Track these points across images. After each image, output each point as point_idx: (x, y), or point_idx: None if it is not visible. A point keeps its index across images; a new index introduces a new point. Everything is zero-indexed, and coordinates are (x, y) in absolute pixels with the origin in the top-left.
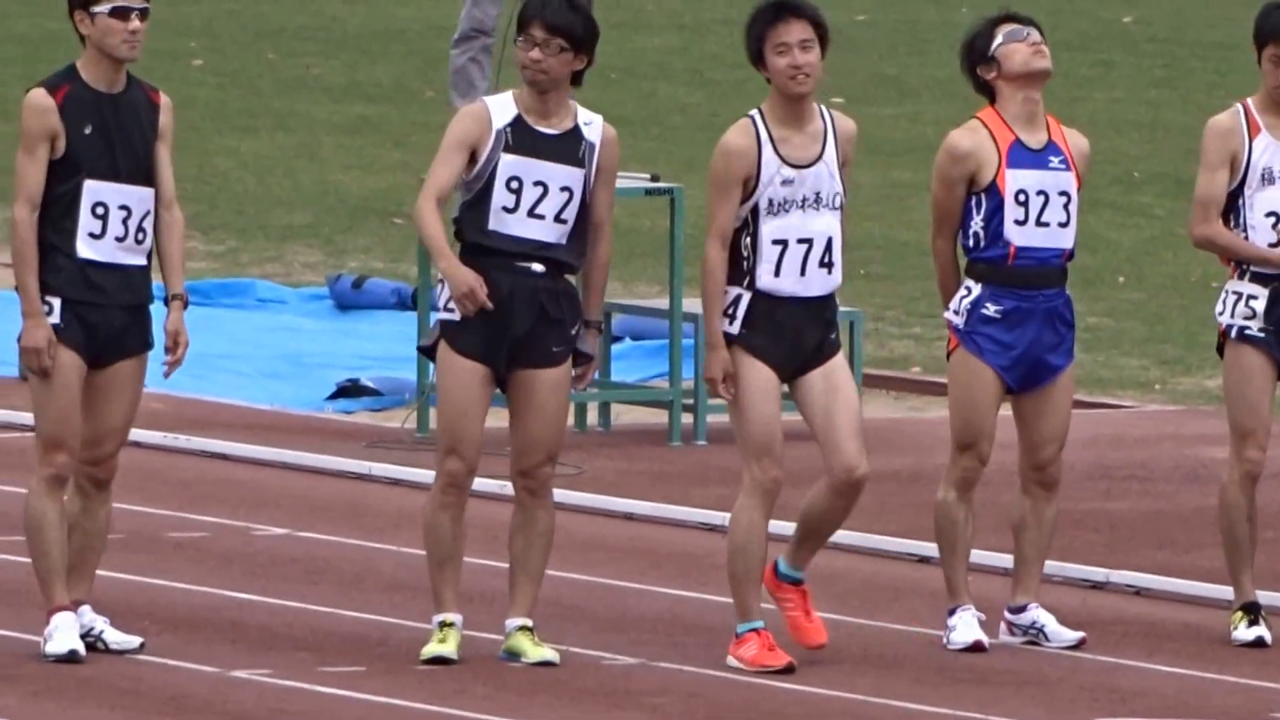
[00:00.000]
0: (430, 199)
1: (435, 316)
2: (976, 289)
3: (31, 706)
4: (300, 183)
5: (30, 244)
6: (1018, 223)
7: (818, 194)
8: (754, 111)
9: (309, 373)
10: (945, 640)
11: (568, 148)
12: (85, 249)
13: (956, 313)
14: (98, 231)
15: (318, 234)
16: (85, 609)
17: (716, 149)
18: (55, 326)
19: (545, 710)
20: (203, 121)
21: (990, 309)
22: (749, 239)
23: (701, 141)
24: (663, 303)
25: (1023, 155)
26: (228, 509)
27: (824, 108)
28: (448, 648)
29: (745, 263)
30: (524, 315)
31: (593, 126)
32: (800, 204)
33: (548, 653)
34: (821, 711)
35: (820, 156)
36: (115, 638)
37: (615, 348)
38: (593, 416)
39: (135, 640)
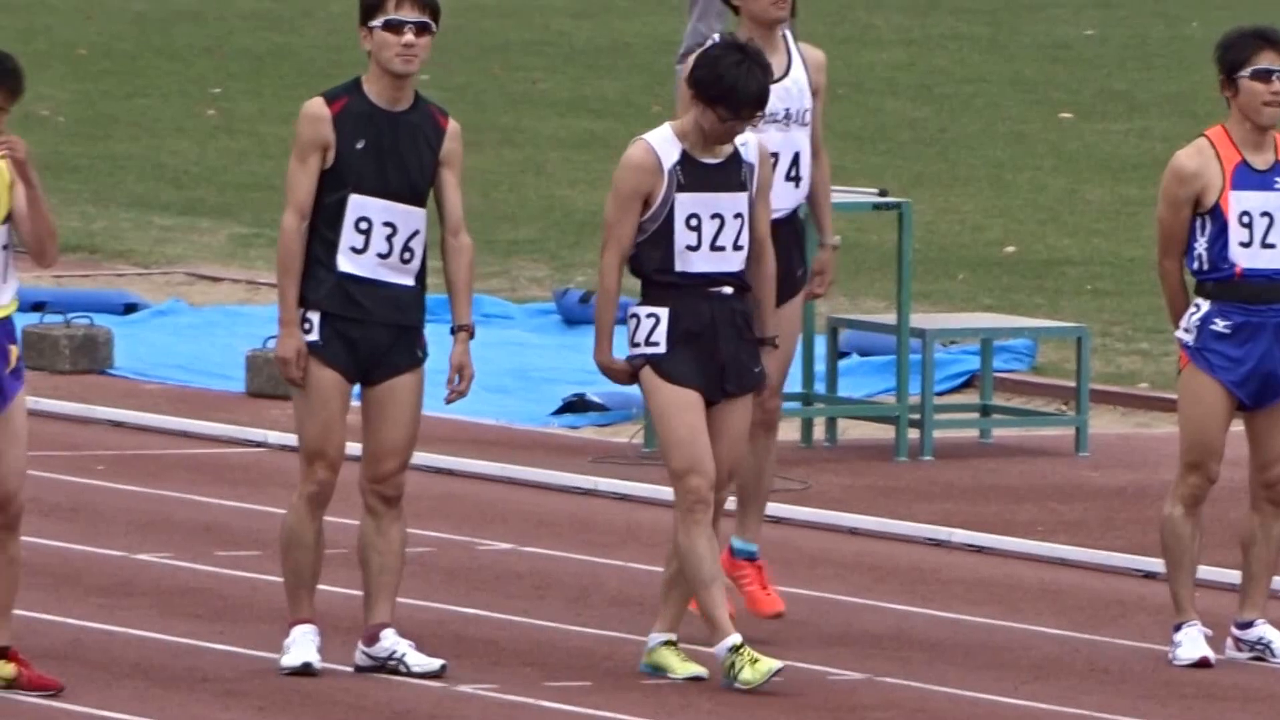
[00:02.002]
0: (617, 257)
1: (631, 353)
2: (1205, 305)
3: None
4: (526, 198)
5: (295, 254)
6: (1243, 245)
7: (787, 110)
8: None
9: (535, 388)
10: (1171, 656)
11: (732, 174)
12: (346, 263)
13: (1186, 330)
14: (360, 246)
15: (544, 249)
16: (389, 631)
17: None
18: (314, 344)
19: None
20: None
21: (1219, 324)
22: None
23: (929, 156)
24: (890, 318)
25: (1248, 177)
26: (453, 524)
27: (789, 36)
28: (693, 667)
29: None
30: (729, 338)
31: (749, 147)
32: (767, 119)
33: (696, 668)
34: None
35: (787, 73)
36: (417, 661)
37: (842, 363)
38: (819, 432)
39: (436, 663)
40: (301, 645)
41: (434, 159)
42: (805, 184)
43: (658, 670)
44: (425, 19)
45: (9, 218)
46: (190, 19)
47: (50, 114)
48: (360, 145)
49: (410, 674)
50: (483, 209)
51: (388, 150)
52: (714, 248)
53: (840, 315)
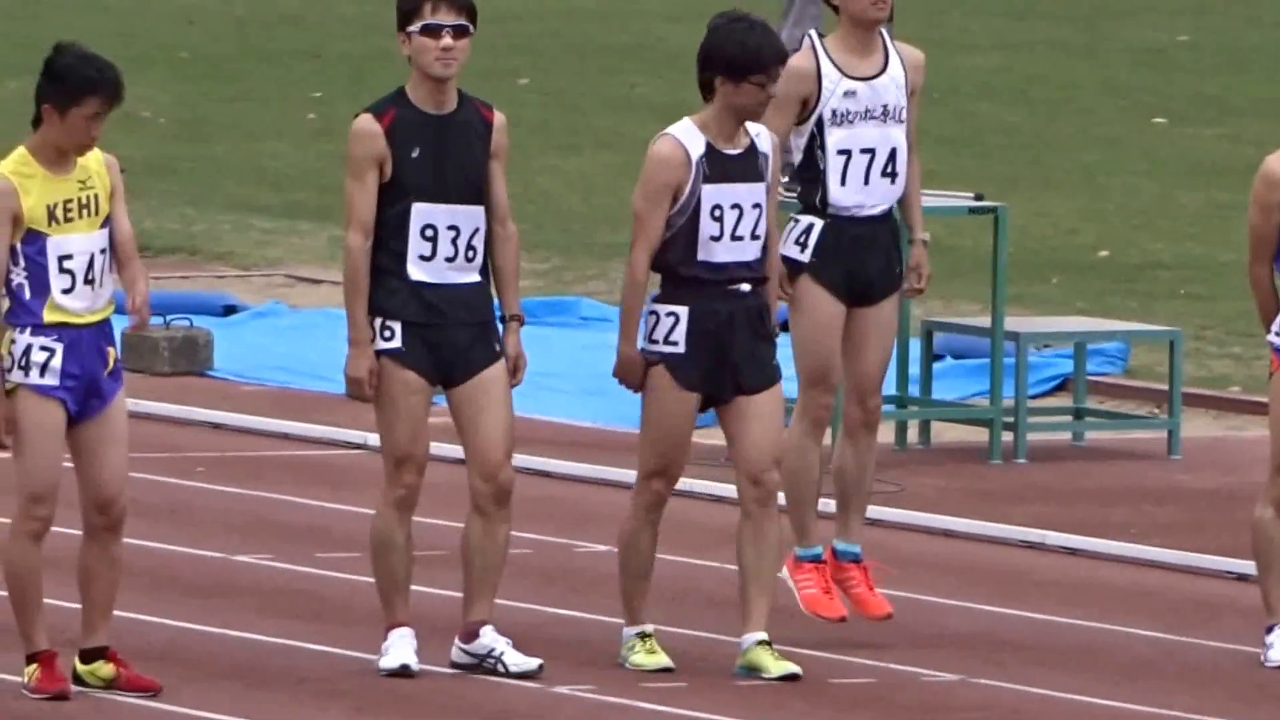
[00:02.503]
0: (646, 252)
1: (648, 349)
2: None
3: None
4: (624, 201)
5: (362, 272)
6: None
7: (884, 106)
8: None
9: (631, 391)
10: (1263, 658)
11: (751, 164)
12: (416, 271)
13: (1278, 334)
14: (428, 254)
15: None
16: (488, 629)
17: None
18: (397, 351)
19: None
20: (527, 140)
21: None
22: (819, 150)
23: (1024, 161)
24: (984, 321)
25: None
26: (550, 526)
27: (886, 35)
28: (662, 658)
29: (820, 177)
30: (746, 338)
31: (762, 137)
32: (864, 115)
33: (790, 666)
34: None
35: (885, 70)
36: (515, 659)
37: (936, 366)
38: (913, 434)
39: (534, 662)
40: (399, 648)
41: (486, 155)
42: (901, 180)
43: (753, 671)
44: (463, 21)
45: (107, 221)
46: (290, 24)
47: (151, 116)
48: (416, 154)
49: (508, 673)
50: (582, 212)
51: (443, 154)
52: (734, 237)
53: (935, 318)
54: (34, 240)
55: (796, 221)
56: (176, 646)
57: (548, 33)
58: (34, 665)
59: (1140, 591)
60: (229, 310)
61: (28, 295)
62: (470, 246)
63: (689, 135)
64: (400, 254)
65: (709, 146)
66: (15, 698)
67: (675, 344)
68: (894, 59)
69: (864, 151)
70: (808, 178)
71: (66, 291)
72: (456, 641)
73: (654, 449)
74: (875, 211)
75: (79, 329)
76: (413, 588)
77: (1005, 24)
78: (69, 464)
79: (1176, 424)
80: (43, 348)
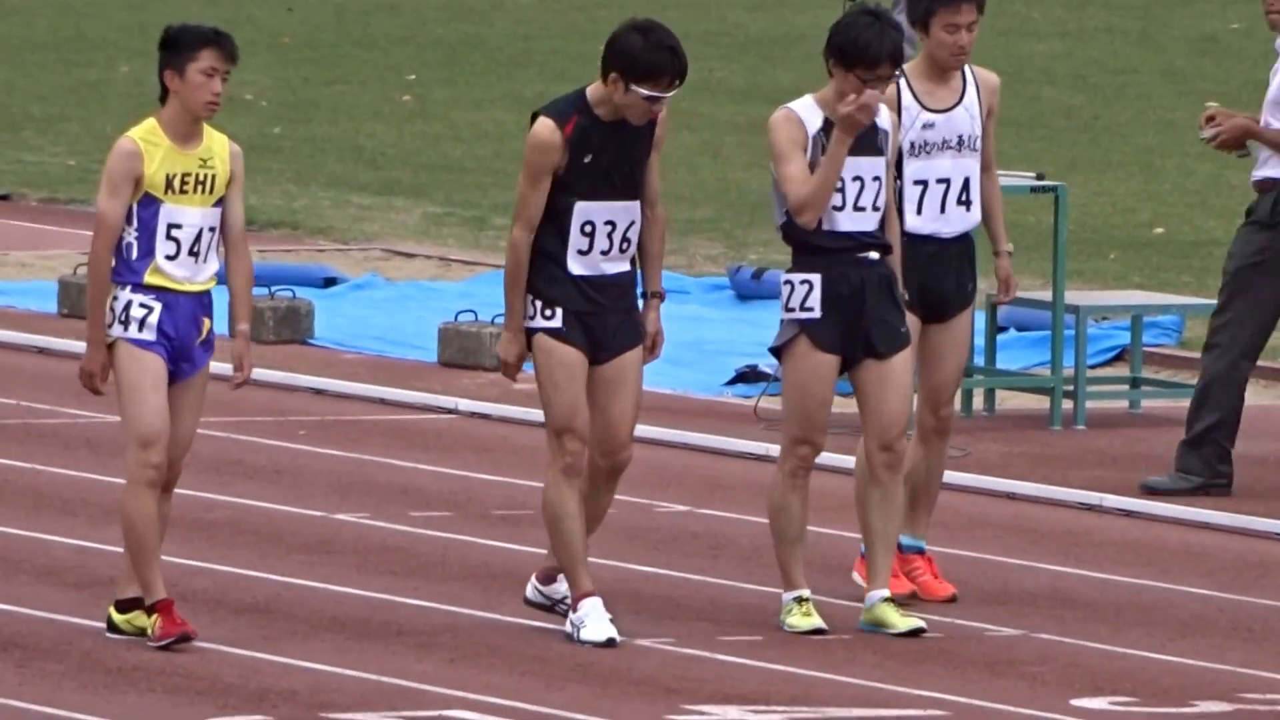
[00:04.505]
0: (798, 191)
1: (785, 317)
2: None
3: (447, 671)
4: (703, 179)
5: (523, 265)
6: None
7: (960, 137)
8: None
9: (710, 359)
10: None
11: (870, 140)
12: (574, 265)
13: None
14: (585, 249)
15: (719, 228)
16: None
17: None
18: (558, 330)
19: (931, 678)
20: None
21: None
22: (895, 180)
23: (1083, 142)
24: (1046, 295)
25: None
26: (632, 487)
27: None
28: (816, 620)
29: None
30: (877, 303)
31: (881, 115)
32: (941, 146)
33: (915, 621)
34: (1195, 681)
35: (960, 101)
36: None
37: (1000, 337)
38: (979, 402)
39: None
40: (595, 618)
41: (649, 151)
42: (975, 208)
43: (879, 626)
44: (672, 94)
45: (220, 203)
46: (387, 10)
47: (254, 99)
48: (588, 160)
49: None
50: (662, 190)
51: (613, 158)
52: (856, 208)
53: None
54: (149, 204)
55: None
56: (281, 600)
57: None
58: (154, 615)
59: (1194, 552)
60: (329, 282)
61: (134, 255)
62: (625, 239)
63: (808, 111)
64: (560, 246)
65: (827, 121)
66: (128, 648)
67: (811, 310)
68: (970, 88)
69: (939, 181)
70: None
71: (170, 258)
72: (533, 580)
73: (797, 415)
74: (949, 235)
75: (175, 294)
76: (500, 544)
77: (1065, 12)
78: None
79: None
80: (142, 304)
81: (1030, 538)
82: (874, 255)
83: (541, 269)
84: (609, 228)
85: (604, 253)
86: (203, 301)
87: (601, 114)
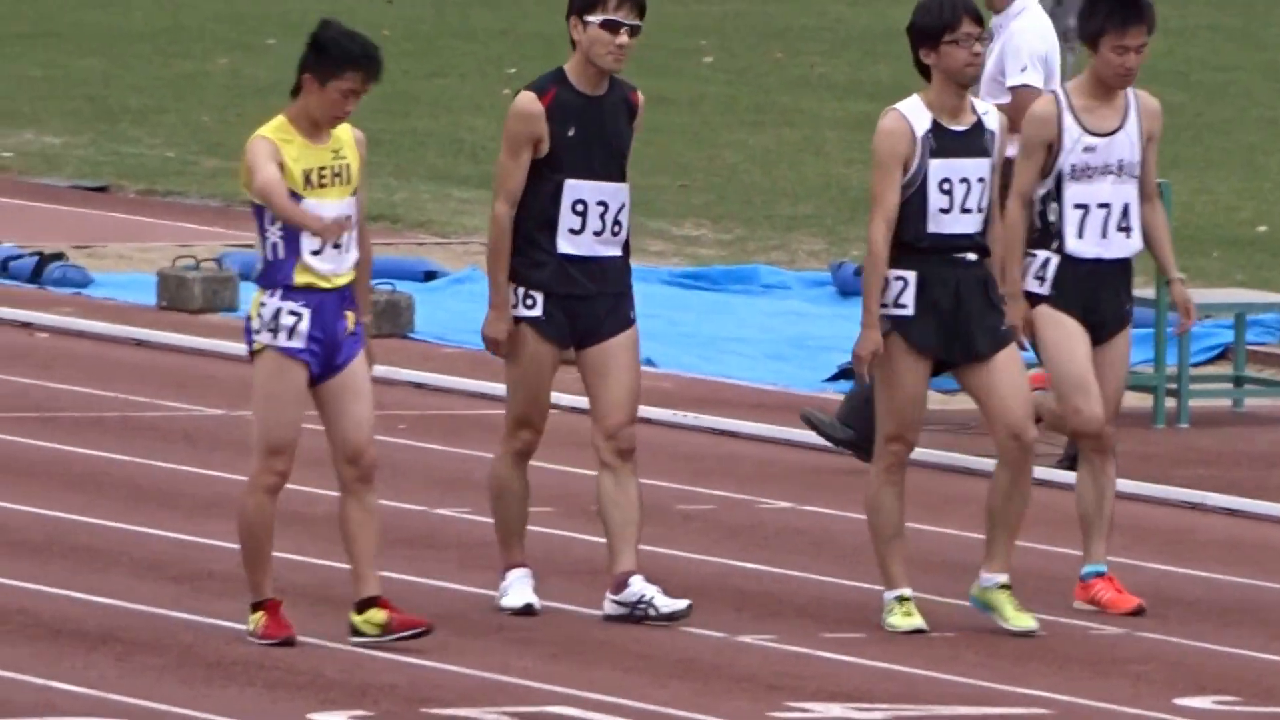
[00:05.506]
0: (884, 224)
1: (879, 314)
2: None
3: (549, 667)
4: (805, 175)
5: (506, 240)
6: None
7: (1120, 162)
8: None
9: (811, 355)
10: None
11: (976, 140)
12: (565, 245)
13: None
14: (577, 227)
15: (821, 224)
16: (637, 578)
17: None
18: (537, 319)
19: (1034, 676)
20: (713, 116)
21: None
22: (1054, 203)
23: (1186, 140)
24: (1149, 293)
25: None
26: (734, 483)
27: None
28: (917, 620)
29: (1052, 227)
30: (973, 304)
31: (990, 115)
32: (1102, 171)
33: (1029, 621)
34: None
35: (1122, 127)
36: (664, 603)
37: None
38: None
39: (683, 603)
40: (519, 587)
41: (631, 135)
42: (1136, 235)
43: (989, 610)
44: (639, 22)
45: (357, 191)
46: (486, 3)
47: None
48: (571, 133)
49: (660, 616)
50: (765, 185)
51: (596, 134)
52: (963, 210)
53: None
54: (291, 200)
55: (1034, 256)
56: (384, 595)
57: (732, 14)
58: (260, 613)
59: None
60: (429, 276)
61: (281, 254)
62: (616, 221)
63: (915, 112)
64: (551, 227)
65: (934, 123)
66: (228, 642)
67: (904, 306)
68: (1133, 112)
69: (1100, 206)
70: (1044, 225)
71: (315, 253)
72: (608, 595)
73: (890, 411)
74: (1111, 258)
75: (323, 293)
76: (600, 539)
77: (1167, 9)
78: (317, 426)
79: None
80: (291, 312)
81: (1134, 536)
82: (971, 256)
83: (528, 255)
84: (601, 208)
85: (596, 234)
86: (344, 293)
87: (579, 85)
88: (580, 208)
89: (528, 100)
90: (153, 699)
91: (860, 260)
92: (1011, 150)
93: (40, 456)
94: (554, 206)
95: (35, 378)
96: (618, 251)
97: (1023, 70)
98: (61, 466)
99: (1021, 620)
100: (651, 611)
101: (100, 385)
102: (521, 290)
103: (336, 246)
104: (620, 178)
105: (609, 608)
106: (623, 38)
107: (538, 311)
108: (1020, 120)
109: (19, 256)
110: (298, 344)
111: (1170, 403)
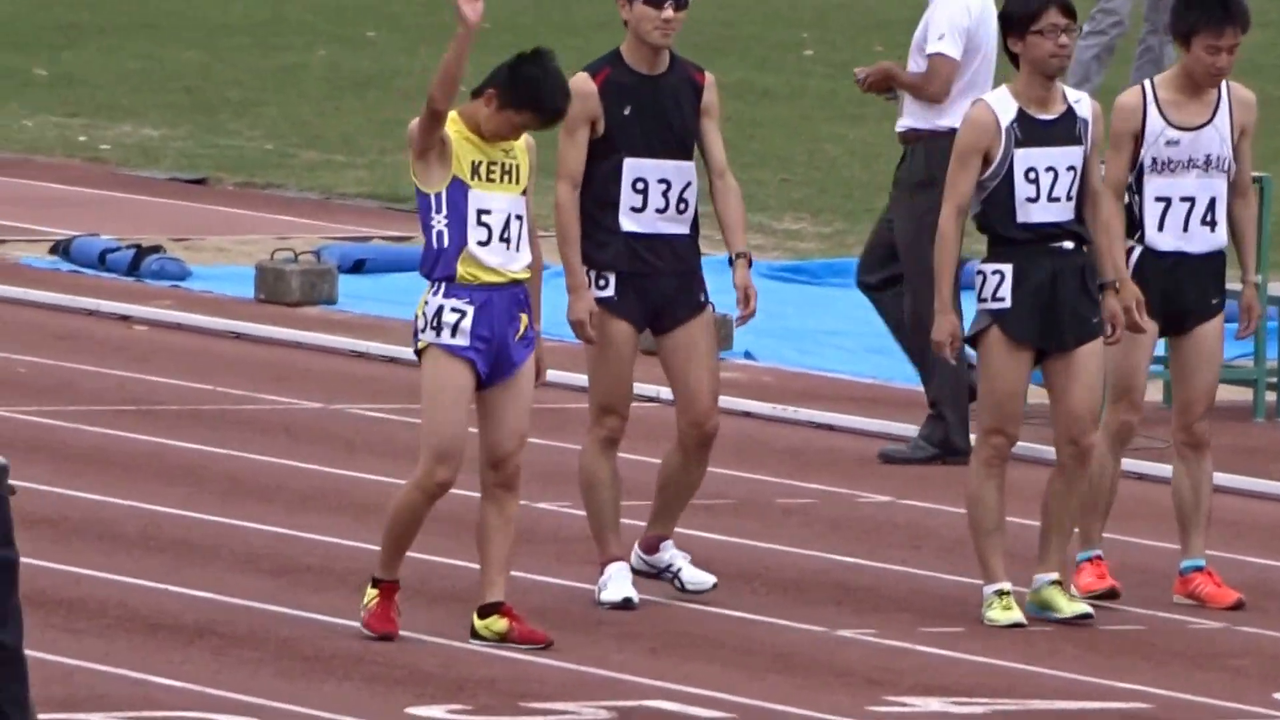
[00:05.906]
0: (955, 211)
1: (979, 308)
2: None
3: (647, 661)
4: None
5: (573, 221)
6: None
7: (1207, 157)
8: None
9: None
10: None
11: (1066, 129)
12: (628, 223)
13: None
14: (639, 205)
15: None
16: (668, 543)
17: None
18: (610, 299)
19: (1133, 671)
20: (813, 109)
21: None
22: (1136, 195)
23: None
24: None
25: None
26: (835, 477)
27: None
28: (1016, 614)
29: (1135, 221)
30: (1070, 293)
31: (1082, 104)
32: (1186, 164)
33: (1082, 606)
34: None
35: (1211, 121)
36: (691, 576)
37: None
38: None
39: (709, 580)
40: (617, 581)
41: (696, 113)
42: (1221, 229)
43: (1044, 609)
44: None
45: (526, 191)
46: None
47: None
48: (627, 112)
49: (683, 589)
50: (864, 179)
51: (653, 112)
52: (1050, 199)
53: None
54: (457, 189)
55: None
56: (480, 589)
57: (833, 6)
58: (376, 591)
59: None
60: None
61: (446, 243)
62: (681, 199)
63: (1001, 102)
64: (613, 206)
65: (1020, 112)
66: (326, 636)
67: (1002, 300)
68: (1224, 106)
69: (1184, 200)
70: (1128, 217)
71: (482, 244)
72: (636, 549)
73: (990, 405)
74: (1198, 252)
75: (490, 289)
76: (699, 533)
77: (1268, 2)
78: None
79: None
80: (454, 309)
81: (1233, 530)
82: (1068, 245)
83: (593, 236)
84: (663, 185)
85: (659, 211)
86: (518, 296)
87: (634, 65)
88: (641, 185)
89: (581, 80)
90: (250, 693)
91: (973, 256)
92: (942, 121)
93: (138, 450)
94: (615, 185)
95: (133, 371)
96: (684, 230)
97: (940, 39)
98: (159, 460)
99: (1075, 607)
100: (676, 582)
101: (198, 379)
102: (594, 273)
103: (504, 240)
104: (684, 155)
105: (636, 562)
106: (668, 11)
107: (610, 291)
108: (930, 88)
109: (117, 249)
110: (461, 341)
111: (1270, 396)
